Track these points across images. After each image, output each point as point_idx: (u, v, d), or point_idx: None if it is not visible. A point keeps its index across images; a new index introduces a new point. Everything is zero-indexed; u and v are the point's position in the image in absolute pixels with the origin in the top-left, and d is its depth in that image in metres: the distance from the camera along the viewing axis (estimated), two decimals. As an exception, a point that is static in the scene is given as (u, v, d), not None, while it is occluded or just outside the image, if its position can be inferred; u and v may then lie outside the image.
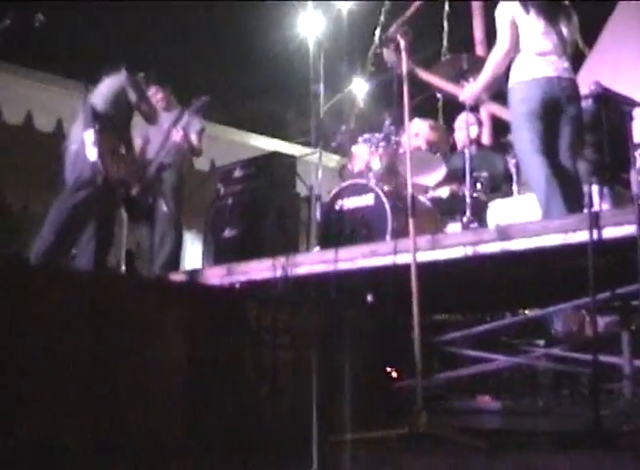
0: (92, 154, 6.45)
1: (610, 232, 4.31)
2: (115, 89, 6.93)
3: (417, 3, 5.10)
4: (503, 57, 5.68)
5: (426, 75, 6.36)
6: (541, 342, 6.60)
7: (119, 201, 6.89)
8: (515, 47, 5.61)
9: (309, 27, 12.04)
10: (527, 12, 5.59)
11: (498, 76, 5.78)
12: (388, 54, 5.80)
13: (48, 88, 9.80)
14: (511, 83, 5.59)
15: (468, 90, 6.09)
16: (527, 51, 5.56)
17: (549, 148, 5.40)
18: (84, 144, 6.53)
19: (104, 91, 6.93)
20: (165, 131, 7.46)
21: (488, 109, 6.25)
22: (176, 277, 6.61)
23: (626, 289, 4.52)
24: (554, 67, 5.50)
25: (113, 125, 6.79)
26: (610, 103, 5.41)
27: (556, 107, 5.45)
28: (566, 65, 5.57)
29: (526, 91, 5.49)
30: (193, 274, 6.53)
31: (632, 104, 5.51)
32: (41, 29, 6.30)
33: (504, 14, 5.68)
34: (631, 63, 10.04)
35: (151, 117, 7.17)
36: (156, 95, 7.89)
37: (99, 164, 6.44)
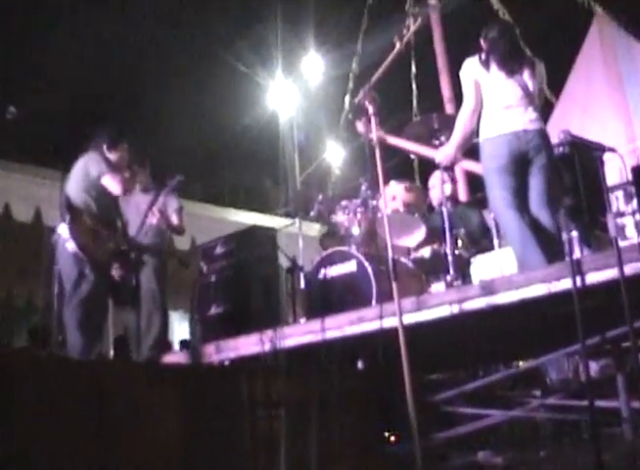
0: (71, 246, 6.39)
1: (593, 277, 4.33)
2: (83, 170, 6.80)
3: (383, 67, 5.17)
4: (470, 115, 5.75)
5: (397, 142, 6.42)
6: (538, 391, 6.56)
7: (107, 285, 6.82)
8: (480, 104, 5.69)
9: (280, 100, 12.19)
10: (488, 69, 5.69)
11: (469, 135, 5.84)
12: (358, 125, 5.88)
13: (25, 178, 9.84)
14: (480, 139, 5.66)
15: (442, 153, 6.13)
16: (493, 106, 5.64)
17: (521, 201, 5.45)
18: (62, 237, 6.50)
19: (74, 175, 6.82)
20: (143, 212, 7.44)
21: (463, 166, 6.29)
22: (164, 359, 6.59)
23: (616, 332, 4.53)
24: (520, 120, 5.57)
25: (91, 209, 6.70)
26: (581, 150, 5.49)
27: (524, 160, 5.51)
28: (532, 116, 5.63)
29: (494, 147, 5.56)
30: (181, 354, 6.50)
31: (602, 149, 5.59)
32: (14, 121, 6.36)
33: (467, 73, 5.77)
34: (599, 104, 10.19)
35: (118, 189, 6.87)
36: (133, 176, 7.91)
37: (81, 255, 6.37)
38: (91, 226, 6.61)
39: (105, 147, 6.93)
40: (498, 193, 5.50)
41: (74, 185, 6.76)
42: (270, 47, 12.80)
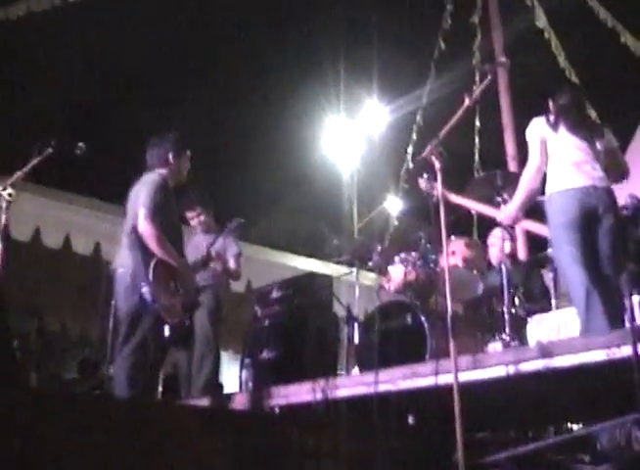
0: (145, 286, 5.96)
1: (654, 346, 4.25)
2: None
3: (450, 123, 5.17)
4: (535, 174, 5.73)
5: (460, 200, 6.41)
6: (586, 457, 6.44)
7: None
8: (546, 163, 5.67)
9: (343, 146, 12.24)
10: (556, 131, 5.67)
11: (533, 193, 5.81)
12: (421, 182, 5.89)
13: (86, 212, 9.98)
14: (547, 194, 5.62)
15: (505, 212, 6.09)
16: (561, 162, 5.62)
17: (589, 259, 5.37)
18: (132, 267, 6.13)
19: (136, 200, 6.33)
20: (202, 253, 7.44)
21: (524, 226, 6.25)
22: (214, 402, 6.56)
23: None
24: (589, 175, 5.53)
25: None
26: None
27: (593, 216, 5.45)
28: (601, 174, 5.59)
29: (564, 201, 5.52)
30: (231, 398, 6.48)
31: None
32: (82, 157, 6.44)
33: (534, 132, 5.76)
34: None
35: (145, 228, 6.14)
36: (199, 217, 7.95)
37: (148, 293, 5.93)
38: (169, 277, 6.20)
39: (171, 156, 6.51)
40: (565, 248, 5.43)
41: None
42: (333, 93, 12.87)
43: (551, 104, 5.87)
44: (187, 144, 6.68)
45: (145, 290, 5.90)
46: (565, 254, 5.47)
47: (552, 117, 5.74)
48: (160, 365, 6.63)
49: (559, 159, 5.65)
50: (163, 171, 6.45)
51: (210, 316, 7.58)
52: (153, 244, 6.10)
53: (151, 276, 5.94)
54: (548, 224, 5.68)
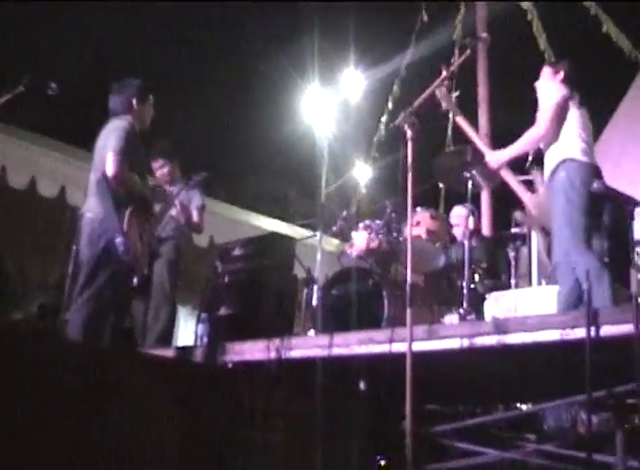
0: (119, 237, 5.92)
1: (607, 330, 4.29)
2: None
3: (426, 94, 5.17)
4: (538, 139, 5.74)
5: (463, 124, 6.39)
6: (532, 436, 6.52)
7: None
8: (551, 136, 5.66)
9: (316, 110, 12.20)
10: (580, 107, 5.69)
11: (526, 154, 5.85)
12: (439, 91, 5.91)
13: (54, 154, 9.88)
14: (570, 156, 5.63)
15: (494, 157, 6.11)
16: (581, 134, 5.64)
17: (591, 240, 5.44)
18: (101, 215, 6.06)
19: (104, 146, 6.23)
20: (165, 204, 7.39)
21: (505, 176, 6.21)
22: (168, 353, 6.55)
23: (623, 388, 4.49)
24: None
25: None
26: (612, 201, 5.45)
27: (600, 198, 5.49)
28: None
29: (587, 173, 5.57)
30: (186, 351, 6.48)
31: (635, 203, 5.55)
32: (53, 97, 6.36)
33: (559, 98, 5.76)
34: (633, 158, 10.13)
35: (111, 170, 6.03)
36: (162, 168, 7.89)
37: (122, 243, 5.90)
38: (140, 227, 6.17)
39: (134, 101, 6.41)
40: (582, 221, 5.46)
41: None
42: (309, 59, 12.83)
43: (563, 74, 5.92)
44: (150, 90, 6.61)
45: (119, 240, 5.87)
46: (579, 227, 5.44)
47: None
48: (125, 315, 6.60)
49: (577, 130, 5.66)
50: (129, 117, 6.39)
51: (169, 268, 7.54)
52: (124, 185, 6.07)
53: (125, 226, 5.90)
54: (565, 188, 5.64)
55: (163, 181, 7.88)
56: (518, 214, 6.41)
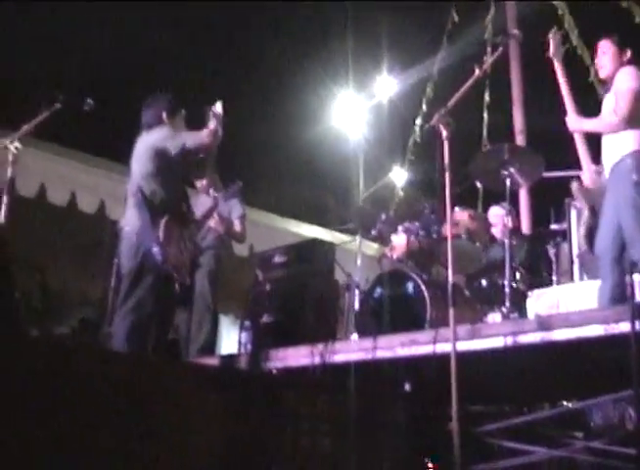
0: (156, 246, 5.95)
1: (653, 323, 4.26)
2: (152, 151, 6.25)
3: (460, 93, 5.16)
4: (613, 127, 5.61)
5: (560, 71, 6.21)
6: (580, 434, 6.48)
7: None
8: (625, 126, 5.56)
9: (350, 115, 12.22)
10: None
11: (598, 135, 5.75)
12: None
13: (92, 170, 9.97)
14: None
15: (575, 121, 5.92)
16: None
17: None
18: (138, 227, 6.09)
19: (140, 162, 6.31)
20: (203, 214, 7.40)
21: (577, 140, 6.02)
22: (212, 361, 6.59)
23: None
24: None
25: (169, 204, 6.21)
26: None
27: None
28: None
29: None
30: (230, 360, 6.51)
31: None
32: (90, 114, 6.43)
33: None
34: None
35: (206, 139, 6.27)
36: (201, 180, 7.93)
37: (159, 253, 5.92)
38: (177, 236, 6.18)
39: (165, 115, 6.41)
40: None
41: (144, 173, 6.23)
42: (342, 62, 12.83)
43: (630, 55, 5.77)
44: (181, 104, 6.62)
45: (155, 250, 5.91)
46: None
47: None
48: (169, 326, 6.63)
49: None
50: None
51: (210, 277, 7.60)
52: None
53: (161, 236, 5.95)
54: (630, 176, 5.42)
55: (203, 192, 7.94)
56: (574, 185, 6.27)
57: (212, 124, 6.29)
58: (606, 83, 5.87)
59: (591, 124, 5.81)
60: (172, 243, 6.07)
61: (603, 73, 5.84)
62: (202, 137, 6.31)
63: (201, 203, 7.68)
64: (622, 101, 5.53)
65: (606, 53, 5.84)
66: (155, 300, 6.03)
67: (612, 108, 5.59)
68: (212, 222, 7.56)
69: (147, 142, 6.31)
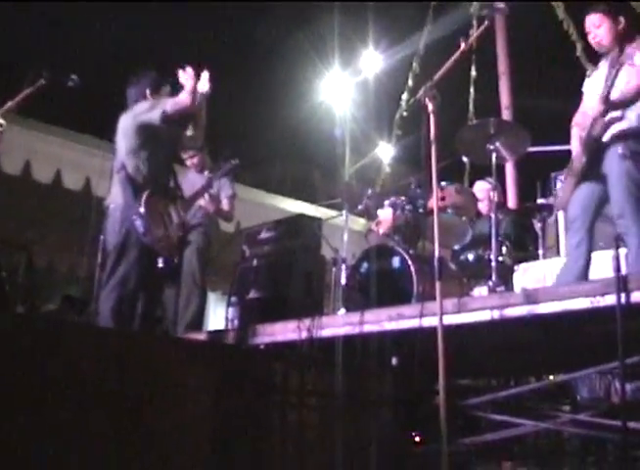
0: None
1: (638, 296, 4.27)
2: (136, 126, 6.27)
3: (444, 68, 5.14)
4: None
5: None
6: (566, 407, 6.52)
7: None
8: None
9: (336, 91, 12.20)
10: None
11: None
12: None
13: (77, 147, 9.94)
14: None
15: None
16: None
17: None
18: (122, 203, 6.13)
19: (125, 137, 6.31)
20: (195, 193, 7.39)
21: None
22: (200, 337, 6.59)
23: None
24: None
25: (153, 178, 6.23)
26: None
27: None
28: None
29: None
30: (218, 335, 6.52)
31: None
32: (74, 90, 6.40)
33: None
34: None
35: (186, 101, 6.30)
36: (192, 158, 7.91)
37: (141, 225, 5.95)
38: (162, 210, 6.22)
39: (148, 92, 6.44)
40: None
41: (128, 149, 6.25)
42: (328, 39, 12.80)
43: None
44: (164, 80, 6.60)
45: (137, 223, 5.92)
46: None
47: None
48: (156, 301, 6.64)
49: None
50: None
51: (199, 255, 7.59)
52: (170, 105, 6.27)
53: (143, 209, 5.95)
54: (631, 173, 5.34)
55: (194, 170, 7.91)
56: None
57: (188, 85, 6.29)
58: (601, 57, 5.78)
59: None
60: (156, 216, 6.08)
61: (603, 46, 5.74)
62: (180, 99, 6.34)
63: (190, 180, 7.66)
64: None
65: (600, 25, 5.70)
66: (139, 275, 6.05)
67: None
68: (202, 201, 7.54)
69: (130, 117, 6.32)
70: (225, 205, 7.88)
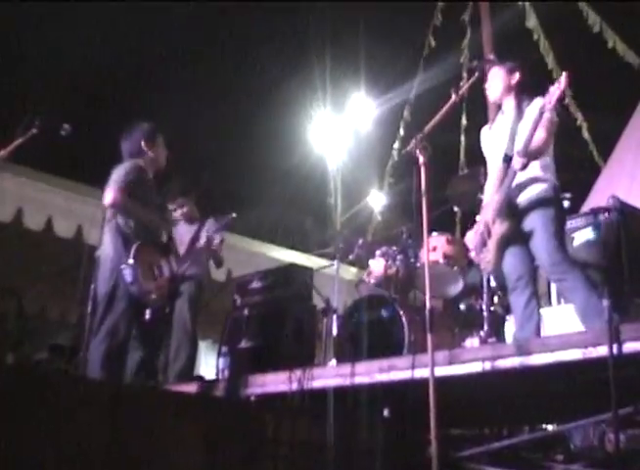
0: (126, 267, 6.03)
1: (630, 346, 4.25)
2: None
3: (435, 119, 5.17)
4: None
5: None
6: (560, 457, 6.47)
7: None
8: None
9: (328, 139, 12.24)
10: None
11: None
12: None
13: (69, 194, 9.94)
14: (554, 184, 5.57)
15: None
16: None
17: None
18: (112, 253, 6.16)
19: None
20: (188, 243, 7.38)
21: None
22: (190, 388, 6.55)
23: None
24: None
25: (144, 229, 6.31)
26: (628, 216, 5.43)
27: None
28: None
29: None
30: (208, 386, 6.48)
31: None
32: (66, 139, 6.42)
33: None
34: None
35: (107, 198, 6.18)
36: (181, 208, 7.84)
37: (129, 274, 5.98)
38: (152, 262, 6.27)
39: (143, 144, 6.52)
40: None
41: None
42: (320, 87, 12.89)
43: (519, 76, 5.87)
44: (158, 131, 6.66)
45: (126, 273, 5.93)
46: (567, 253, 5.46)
47: None
48: (155, 350, 6.62)
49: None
50: (140, 160, 6.48)
51: (190, 305, 7.54)
52: (124, 212, 6.20)
53: (132, 260, 5.95)
54: (556, 212, 5.54)
55: (184, 220, 7.87)
56: None
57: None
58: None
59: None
60: (145, 267, 6.09)
61: (497, 99, 6.01)
62: (134, 163, 6.40)
63: (179, 232, 7.65)
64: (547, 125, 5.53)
65: (496, 79, 5.96)
66: (128, 326, 6.05)
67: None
68: (201, 243, 7.49)
69: (119, 171, 6.36)
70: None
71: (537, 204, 5.45)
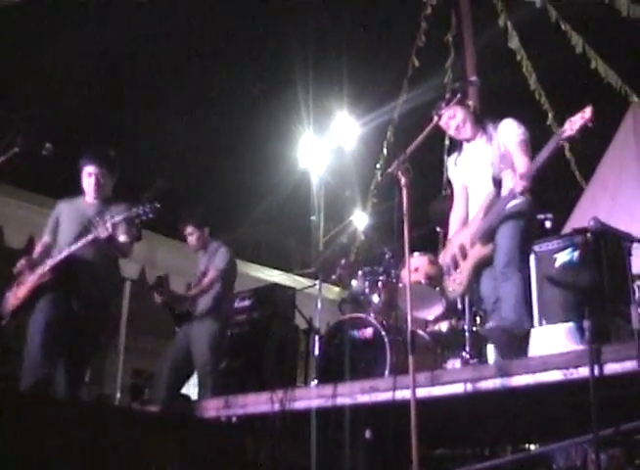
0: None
1: (611, 367, 4.27)
2: None
3: (419, 140, 5.18)
4: None
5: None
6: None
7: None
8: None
9: (312, 158, 12.25)
10: None
11: None
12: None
13: (50, 212, 9.92)
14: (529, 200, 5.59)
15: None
16: None
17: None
18: None
19: None
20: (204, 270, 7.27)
21: None
22: (172, 408, 6.52)
23: (631, 424, 4.46)
24: None
25: None
26: (609, 238, 5.45)
27: None
28: None
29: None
30: (190, 406, 6.45)
31: (631, 240, 5.53)
32: (48, 158, 6.42)
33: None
34: (629, 193, 10.09)
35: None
36: (191, 235, 7.63)
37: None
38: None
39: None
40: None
41: None
42: (303, 107, 12.91)
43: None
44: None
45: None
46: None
47: None
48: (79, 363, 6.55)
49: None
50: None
51: (211, 341, 7.04)
52: None
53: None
54: (526, 225, 5.58)
55: (194, 247, 7.66)
56: None
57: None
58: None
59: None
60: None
61: (465, 134, 6.03)
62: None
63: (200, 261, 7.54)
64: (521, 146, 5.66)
65: (455, 116, 5.96)
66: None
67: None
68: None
69: None
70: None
71: (509, 217, 5.49)
